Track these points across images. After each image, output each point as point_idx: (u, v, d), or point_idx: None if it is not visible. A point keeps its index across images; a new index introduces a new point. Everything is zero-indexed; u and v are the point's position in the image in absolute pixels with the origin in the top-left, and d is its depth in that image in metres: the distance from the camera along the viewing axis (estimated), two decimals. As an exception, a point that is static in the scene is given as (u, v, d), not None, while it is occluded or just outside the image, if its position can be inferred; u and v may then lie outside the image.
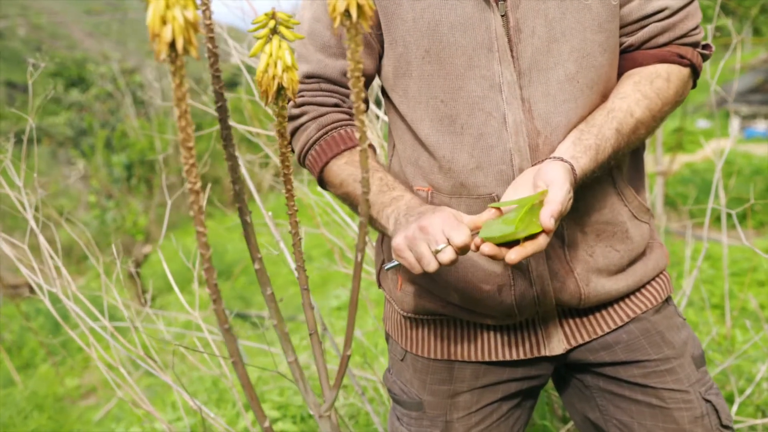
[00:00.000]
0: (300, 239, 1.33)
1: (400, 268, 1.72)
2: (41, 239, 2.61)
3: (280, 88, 1.23)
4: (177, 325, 5.01)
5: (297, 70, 1.22)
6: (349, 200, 1.66)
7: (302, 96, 1.69)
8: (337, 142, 1.65)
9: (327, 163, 1.66)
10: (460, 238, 1.34)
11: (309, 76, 1.70)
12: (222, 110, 1.18)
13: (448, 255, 1.35)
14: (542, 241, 1.34)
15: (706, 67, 2.95)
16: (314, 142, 1.68)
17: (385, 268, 1.52)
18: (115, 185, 13.11)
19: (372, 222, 1.59)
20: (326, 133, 1.67)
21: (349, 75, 1.08)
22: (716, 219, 4.68)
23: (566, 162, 1.43)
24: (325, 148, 1.66)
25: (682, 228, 6.23)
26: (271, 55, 1.21)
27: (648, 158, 6.94)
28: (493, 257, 1.35)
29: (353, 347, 4.48)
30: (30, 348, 7.56)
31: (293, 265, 2.61)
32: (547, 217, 1.32)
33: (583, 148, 1.46)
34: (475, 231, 1.41)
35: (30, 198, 2.64)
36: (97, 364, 2.55)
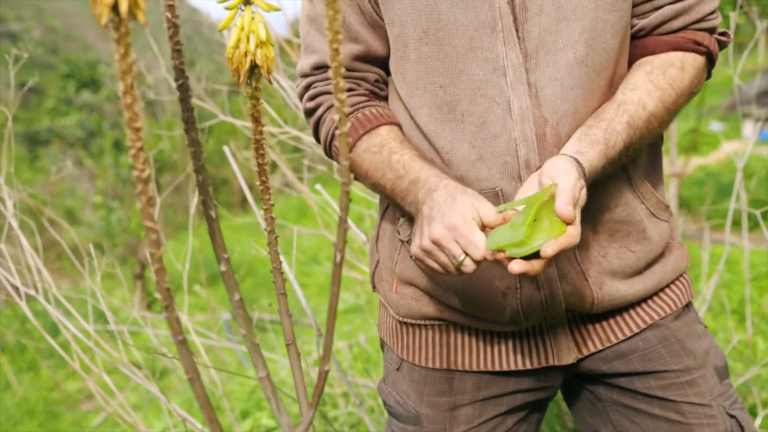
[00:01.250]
0: (276, 237, 1.19)
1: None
2: (21, 239, 2.49)
3: (254, 66, 1.10)
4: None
5: (273, 46, 1.09)
6: (378, 190, 1.55)
7: (315, 88, 1.61)
8: (356, 128, 1.54)
9: (354, 144, 1.56)
10: (478, 253, 1.26)
11: (317, 67, 1.61)
12: (183, 89, 1.04)
13: (469, 267, 1.28)
14: (573, 232, 1.22)
15: (721, 66, 2.85)
16: (333, 135, 1.59)
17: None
18: (123, 185, 13.04)
19: (400, 207, 1.52)
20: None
21: (327, 47, 0.95)
22: (733, 222, 4.56)
23: (570, 157, 1.30)
24: (351, 132, 1.56)
25: (698, 231, 6.09)
26: (242, 28, 1.09)
27: (663, 160, 6.83)
28: (524, 274, 1.22)
29: (356, 353, 4.39)
30: (31, 352, 7.48)
31: (289, 271, 2.48)
32: (563, 206, 1.20)
33: (589, 142, 1.34)
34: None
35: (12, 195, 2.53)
36: (80, 372, 2.42)
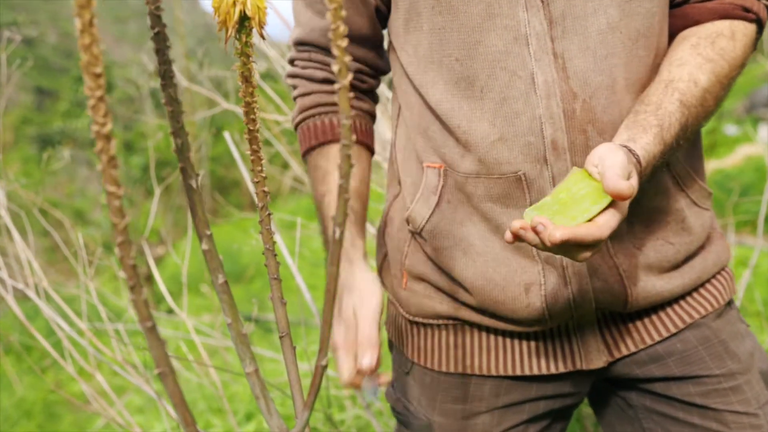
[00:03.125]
0: (269, 215, 1.04)
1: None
2: (14, 232, 2.37)
3: (244, 18, 0.96)
4: (185, 329, 4.83)
5: (266, -5, 0.95)
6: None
7: (295, 66, 1.51)
8: (314, 133, 1.47)
9: (305, 154, 1.49)
10: (342, 378, 1.35)
11: (299, 43, 1.49)
12: (160, 39, 0.90)
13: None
14: (601, 222, 1.06)
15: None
16: (296, 127, 1.51)
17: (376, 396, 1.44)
18: (132, 186, 13.03)
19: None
20: (303, 120, 1.48)
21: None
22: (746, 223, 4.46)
23: (619, 145, 1.13)
24: (302, 139, 1.49)
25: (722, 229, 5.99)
26: (230, -28, 0.95)
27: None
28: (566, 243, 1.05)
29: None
30: (38, 351, 7.42)
31: (290, 261, 2.35)
32: (615, 179, 1.03)
33: (641, 128, 1.17)
34: None
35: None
36: (73, 375, 2.30)
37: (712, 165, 9.51)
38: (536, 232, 1.05)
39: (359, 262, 1.41)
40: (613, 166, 1.05)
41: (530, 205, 1.25)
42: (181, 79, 3.41)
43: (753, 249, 4.84)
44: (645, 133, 1.15)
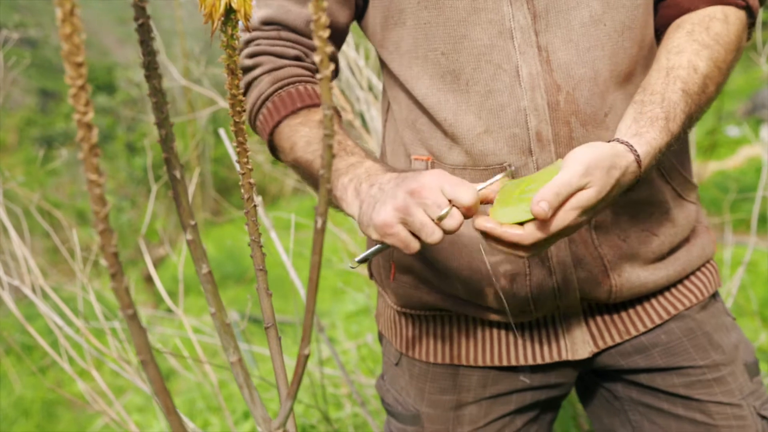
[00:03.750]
0: (255, 206, 1.06)
1: (392, 251, 1.45)
2: (10, 229, 2.39)
3: (230, 11, 0.98)
4: (183, 329, 4.85)
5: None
6: (299, 168, 1.37)
7: (258, 45, 1.44)
8: (294, 98, 1.38)
9: (279, 123, 1.39)
10: (468, 196, 1.06)
11: (267, 23, 1.44)
12: (144, 30, 0.91)
13: (455, 219, 1.06)
14: (527, 231, 1.07)
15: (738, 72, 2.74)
16: (266, 99, 1.40)
17: (356, 260, 1.19)
18: (135, 186, 13.05)
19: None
20: (281, 88, 1.40)
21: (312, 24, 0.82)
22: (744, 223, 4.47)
23: (621, 143, 1.14)
24: (279, 105, 1.39)
25: (719, 226, 5.99)
26: (215, -35, 0.97)
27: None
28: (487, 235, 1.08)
29: (364, 354, 4.27)
30: (39, 352, 7.43)
31: (285, 258, 2.36)
32: (535, 202, 1.04)
33: (648, 120, 1.18)
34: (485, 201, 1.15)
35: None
36: (69, 372, 2.31)
37: (713, 166, 9.52)
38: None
39: (373, 164, 1.26)
40: (552, 185, 1.05)
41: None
42: (179, 79, 3.42)
43: (757, 250, 4.86)
44: (652, 126, 1.17)
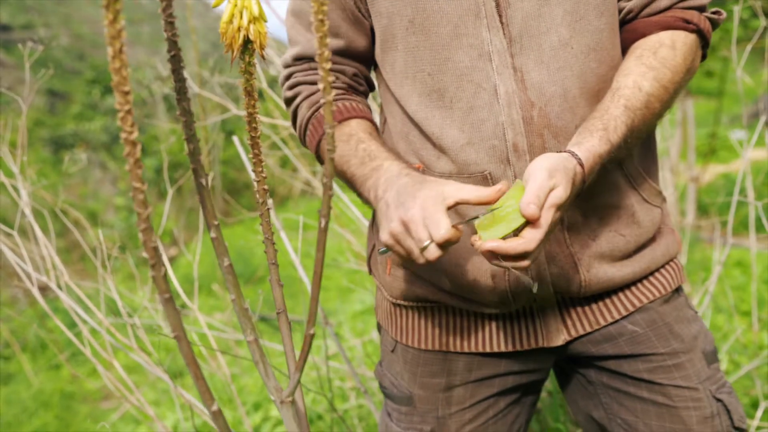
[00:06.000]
0: (268, 209, 1.22)
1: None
2: (35, 228, 2.54)
3: (247, 41, 1.14)
4: (197, 326, 4.96)
5: (265, 21, 1.13)
6: (341, 177, 1.58)
7: (295, 78, 1.66)
8: (336, 114, 1.57)
9: (320, 140, 1.60)
10: (439, 233, 1.24)
11: (298, 58, 1.65)
12: (175, 60, 1.08)
13: (432, 253, 1.26)
14: (529, 237, 1.23)
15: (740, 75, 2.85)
16: (308, 121, 1.63)
17: (379, 252, 1.41)
18: (146, 188, 13.11)
19: (359, 195, 1.52)
20: (317, 110, 1.61)
21: (311, 19, 0.99)
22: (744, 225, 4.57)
23: (566, 152, 1.31)
24: (317, 126, 1.61)
25: (720, 236, 6.09)
26: (235, 4, 1.13)
27: (681, 165, 6.86)
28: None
29: (369, 351, 4.41)
30: (52, 349, 7.54)
31: (293, 256, 2.51)
32: (525, 204, 1.21)
33: (587, 132, 1.35)
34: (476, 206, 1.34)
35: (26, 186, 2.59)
36: (90, 359, 2.45)
37: (717, 169, 9.60)
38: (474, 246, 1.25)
39: (417, 173, 1.42)
40: (530, 191, 1.22)
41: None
42: (192, 86, 3.57)
43: (749, 250, 4.97)
44: (591, 136, 1.33)
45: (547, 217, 1.23)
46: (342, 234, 3.69)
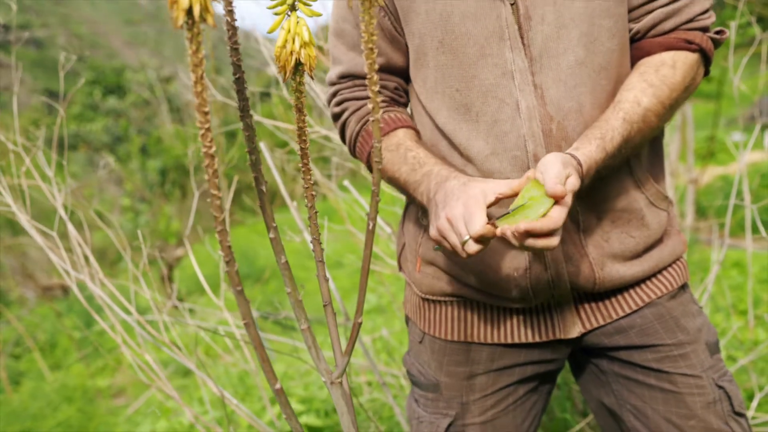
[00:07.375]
0: (316, 212, 1.35)
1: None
2: (69, 227, 2.65)
3: (298, 64, 1.26)
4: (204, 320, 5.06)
5: (314, 46, 1.25)
6: (393, 183, 1.71)
7: (341, 94, 1.79)
8: (382, 125, 1.70)
9: (369, 153, 1.73)
10: (474, 229, 1.36)
11: (343, 76, 1.78)
12: (239, 82, 1.21)
13: (471, 247, 1.38)
14: (554, 215, 1.34)
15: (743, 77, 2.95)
16: (357, 135, 1.76)
17: (434, 248, 1.62)
18: (150, 189, 13.16)
19: (413, 199, 1.67)
20: (365, 124, 1.74)
21: (362, 47, 1.12)
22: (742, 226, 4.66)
23: (566, 154, 1.43)
24: (366, 138, 1.74)
25: (718, 238, 6.18)
26: (289, 31, 1.24)
27: (680, 167, 6.96)
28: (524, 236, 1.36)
29: (380, 346, 4.53)
30: (63, 348, 7.63)
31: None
32: (552, 185, 1.32)
33: (586, 140, 1.47)
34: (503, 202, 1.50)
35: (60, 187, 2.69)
36: (124, 351, 2.57)
37: (715, 171, 9.69)
38: (505, 236, 1.37)
39: (463, 175, 1.55)
40: (550, 175, 1.34)
41: None
42: (215, 93, 3.67)
43: (745, 251, 5.07)
44: (589, 143, 1.46)
45: (568, 200, 1.35)
46: (354, 233, 3.78)
